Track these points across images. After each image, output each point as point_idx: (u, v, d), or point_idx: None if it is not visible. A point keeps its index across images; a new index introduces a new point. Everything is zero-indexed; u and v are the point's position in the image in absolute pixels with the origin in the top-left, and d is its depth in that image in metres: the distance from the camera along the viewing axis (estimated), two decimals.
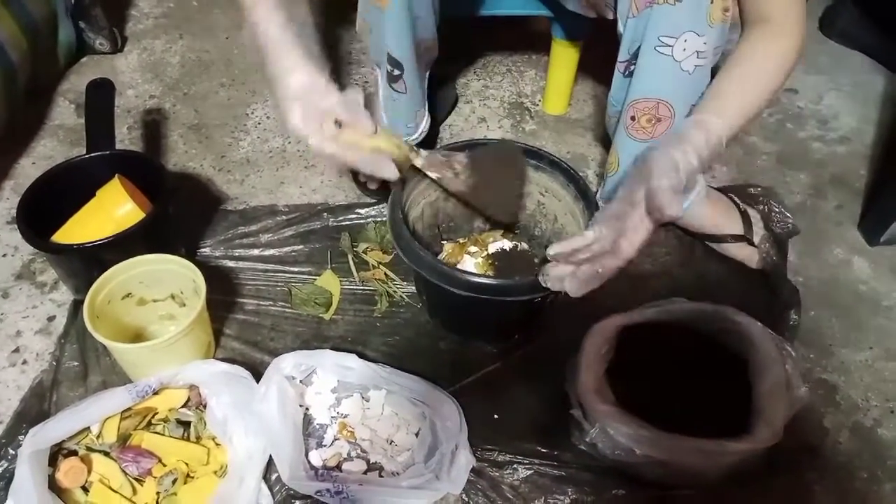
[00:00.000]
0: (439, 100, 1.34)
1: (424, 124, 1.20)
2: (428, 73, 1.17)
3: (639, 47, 0.92)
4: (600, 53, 1.39)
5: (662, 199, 0.74)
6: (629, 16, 0.91)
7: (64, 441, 0.84)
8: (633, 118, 0.99)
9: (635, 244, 0.78)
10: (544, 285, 0.83)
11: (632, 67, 0.96)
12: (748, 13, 0.89)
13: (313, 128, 0.83)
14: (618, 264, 0.79)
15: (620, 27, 0.95)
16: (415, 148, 0.91)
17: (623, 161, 1.05)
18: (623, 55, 0.96)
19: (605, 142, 1.37)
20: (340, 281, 1.10)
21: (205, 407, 0.88)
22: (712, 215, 1.13)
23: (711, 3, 0.86)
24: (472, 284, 0.85)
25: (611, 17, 0.98)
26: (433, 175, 0.93)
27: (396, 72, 1.09)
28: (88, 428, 0.85)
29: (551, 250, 0.81)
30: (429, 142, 1.26)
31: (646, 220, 0.78)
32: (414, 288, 1.07)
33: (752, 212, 1.14)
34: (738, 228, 1.12)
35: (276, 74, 0.85)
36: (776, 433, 0.80)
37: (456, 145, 1.00)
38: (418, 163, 0.91)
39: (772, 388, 0.82)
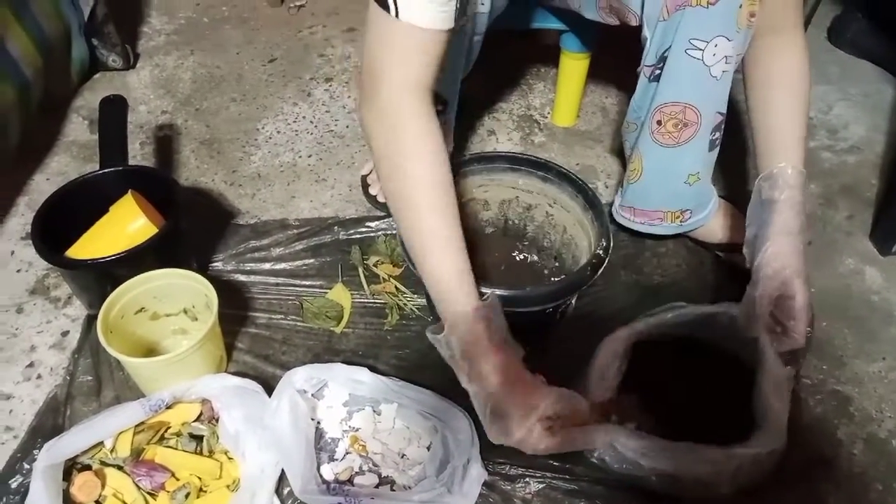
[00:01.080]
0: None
1: (450, 149, 1.21)
2: None
3: (667, 50, 0.93)
4: (609, 65, 1.41)
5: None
6: (660, 19, 0.92)
7: (78, 455, 0.84)
8: (659, 122, 0.99)
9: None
10: None
11: (657, 71, 0.96)
12: (761, 23, 0.90)
13: (526, 429, 0.78)
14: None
15: (647, 32, 0.96)
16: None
17: (647, 167, 1.05)
18: (650, 59, 0.97)
19: (615, 153, 1.37)
20: (351, 294, 1.10)
21: (217, 421, 0.88)
22: (723, 226, 1.13)
23: (740, 7, 0.87)
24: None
25: (634, 23, 0.98)
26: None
27: (440, 108, 1.09)
28: (102, 442, 0.86)
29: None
30: None
31: None
32: (424, 301, 1.08)
33: None
34: None
35: (472, 357, 0.79)
36: (780, 433, 0.80)
37: (466, 158, 1.01)
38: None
39: (774, 387, 0.82)
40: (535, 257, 1.06)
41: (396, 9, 0.75)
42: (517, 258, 1.03)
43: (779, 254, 0.90)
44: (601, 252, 0.89)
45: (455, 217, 0.82)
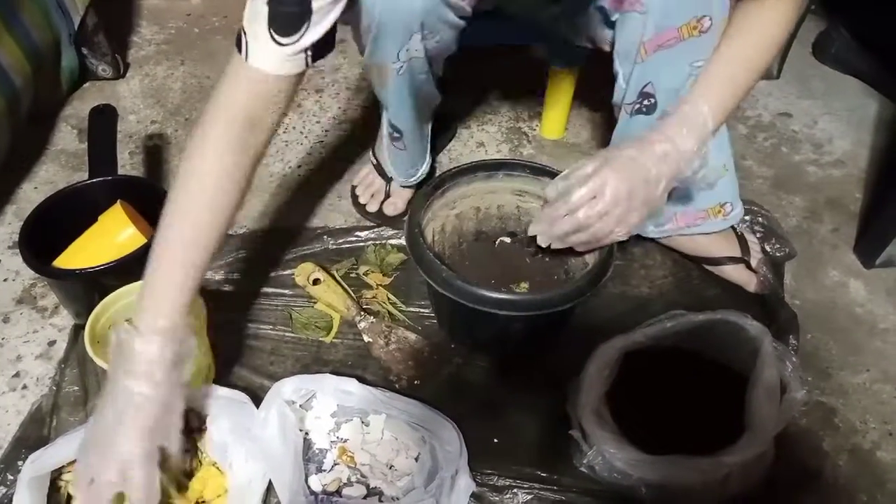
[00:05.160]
0: (438, 137, 1.33)
1: (424, 168, 1.22)
2: (430, 125, 1.18)
3: (647, 85, 0.94)
4: (597, 78, 1.41)
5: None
6: (636, 61, 0.93)
7: (64, 467, 0.84)
8: None
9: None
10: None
11: (637, 106, 0.97)
12: None
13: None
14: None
15: (618, 66, 0.97)
16: (361, 312, 1.05)
17: None
18: (630, 96, 0.97)
19: None
20: None
21: (205, 432, 0.88)
22: (710, 239, 1.14)
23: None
24: (507, 302, 0.87)
25: (608, 49, 0.99)
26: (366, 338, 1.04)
27: (396, 134, 1.11)
28: None
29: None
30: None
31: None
32: (414, 310, 1.08)
33: (748, 235, 1.14)
34: (735, 252, 1.12)
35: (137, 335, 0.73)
36: (765, 439, 0.80)
37: (452, 171, 1.03)
38: (360, 325, 1.05)
39: (765, 393, 0.83)
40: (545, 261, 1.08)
41: (247, 53, 0.78)
42: (528, 261, 1.05)
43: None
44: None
45: (202, 252, 0.76)
